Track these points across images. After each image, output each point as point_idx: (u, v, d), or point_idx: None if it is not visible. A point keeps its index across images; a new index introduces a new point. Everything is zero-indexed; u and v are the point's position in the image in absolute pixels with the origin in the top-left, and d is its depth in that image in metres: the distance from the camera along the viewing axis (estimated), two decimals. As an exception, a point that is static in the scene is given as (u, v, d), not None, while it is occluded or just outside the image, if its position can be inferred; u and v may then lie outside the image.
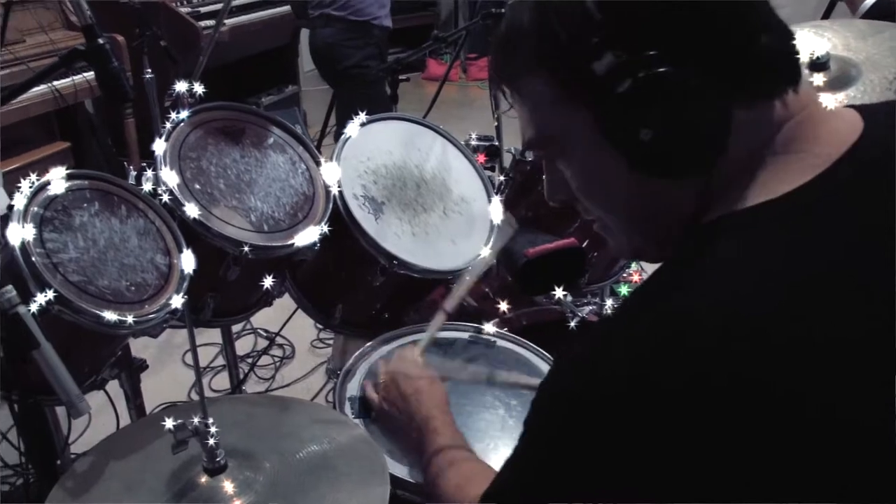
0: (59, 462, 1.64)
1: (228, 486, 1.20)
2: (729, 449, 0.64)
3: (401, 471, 1.36)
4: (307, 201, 1.74)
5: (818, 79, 1.60)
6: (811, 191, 0.72)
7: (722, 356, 0.64)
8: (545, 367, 1.70)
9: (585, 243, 2.08)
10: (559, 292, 1.98)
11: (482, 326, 1.79)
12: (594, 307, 2.32)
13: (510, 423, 1.53)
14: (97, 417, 2.46)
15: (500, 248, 1.82)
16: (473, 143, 2.27)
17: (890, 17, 1.99)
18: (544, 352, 1.74)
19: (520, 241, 1.97)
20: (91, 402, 1.36)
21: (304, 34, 4.62)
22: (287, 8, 4.86)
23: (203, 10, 4.48)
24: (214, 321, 1.79)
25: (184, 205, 1.54)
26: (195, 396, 2.84)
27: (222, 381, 2.87)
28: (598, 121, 0.75)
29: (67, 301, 1.30)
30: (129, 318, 1.35)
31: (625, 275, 2.52)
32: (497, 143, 2.50)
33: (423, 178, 1.90)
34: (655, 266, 0.81)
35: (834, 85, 1.64)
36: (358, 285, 1.84)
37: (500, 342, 1.77)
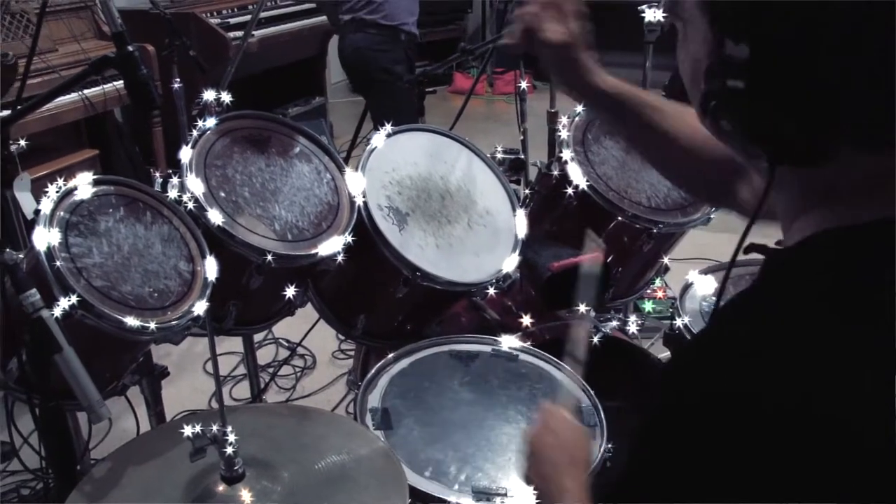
0: (78, 467, 1.64)
1: (246, 496, 1.19)
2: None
3: (420, 483, 1.35)
4: (331, 211, 1.74)
5: None
6: None
7: None
8: (567, 382, 1.68)
9: (610, 258, 2.06)
10: (582, 307, 1.96)
11: (505, 340, 1.77)
12: (618, 322, 2.30)
13: (532, 439, 1.51)
14: (117, 423, 2.48)
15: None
16: (499, 155, 2.26)
17: None
18: (567, 366, 1.72)
19: (544, 255, 1.95)
20: (112, 407, 1.36)
21: (332, 46, 4.63)
22: (315, 20, 4.88)
23: (232, 21, 4.52)
24: (236, 330, 1.79)
25: (207, 211, 1.54)
26: (216, 405, 2.84)
27: (243, 391, 2.86)
28: (710, 58, 0.73)
29: (90, 306, 1.30)
30: (152, 325, 1.35)
31: (649, 290, 2.50)
32: (522, 157, 2.49)
33: (447, 190, 1.89)
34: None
35: None
36: (381, 296, 1.83)
37: (523, 356, 1.75)
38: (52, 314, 1.22)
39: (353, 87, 4.41)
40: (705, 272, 1.98)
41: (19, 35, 3.34)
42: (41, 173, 3.26)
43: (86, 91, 3.33)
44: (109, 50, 1.49)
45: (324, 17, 4.64)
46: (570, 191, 1.97)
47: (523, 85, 2.73)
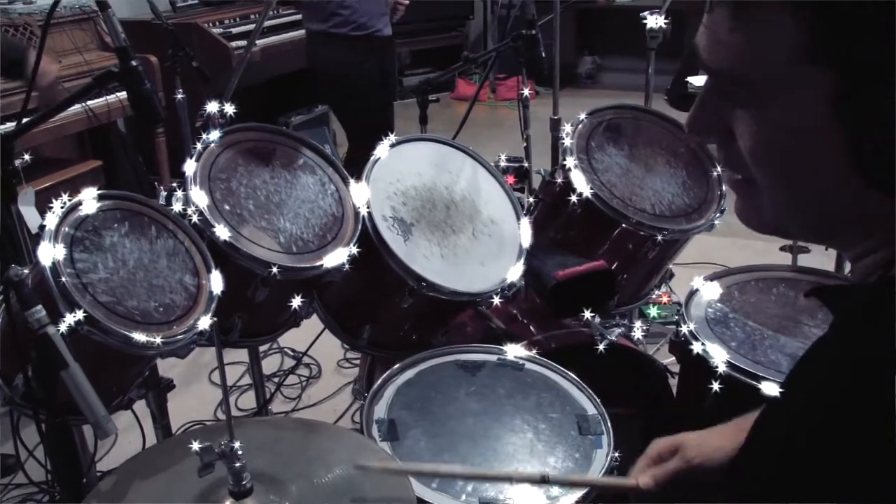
0: (84, 480, 1.64)
1: (254, 511, 1.19)
2: None
3: (427, 494, 1.35)
4: (336, 222, 1.74)
5: None
6: None
7: None
8: (573, 391, 1.68)
9: (615, 265, 2.06)
10: (588, 314, 1.96)
11: (511, 349, 1.77)
12: (623, 329, 2.29)
13: (539, 448, 1.51)
14: (123, 436, 2.47)
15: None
16: (503, 164, 2.26)
17: None
18: (573, 375, 1.72)
19: (549, 263, 1.95)
20: (117, 420, 1.36)
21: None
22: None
23: (234, 30, 4.53)
24: (242, 342, 1.79)
25: (214, 226, 1.54)
26: (221, 415, 2.84)
27: (248, 401, 2.86)
28: (836, 106, 0.62)
29: (96, 321, 1.30)
30: (158, 339, 1.35)
31: (653, 296, 2.49)
32: (526, 165, 2.49)
33: (452, 200, 1.89)
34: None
35: None
36: (386, 307, 1.83)
37: (529, 365, 1.75)
38: (58, 330, 1.22)
39: (325, 99, 4.18)
40: (710, 278, 1.98)
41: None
42: (45, 185, 3.28)
43: (89, 102, 3.34)
44: (112, 61, 1.50)
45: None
46: (574, 198, 1.97)
47: (526, 92, 2.73)
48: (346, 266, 1.68)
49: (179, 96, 2.97)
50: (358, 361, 2.95)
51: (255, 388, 2.41)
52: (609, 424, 1.57)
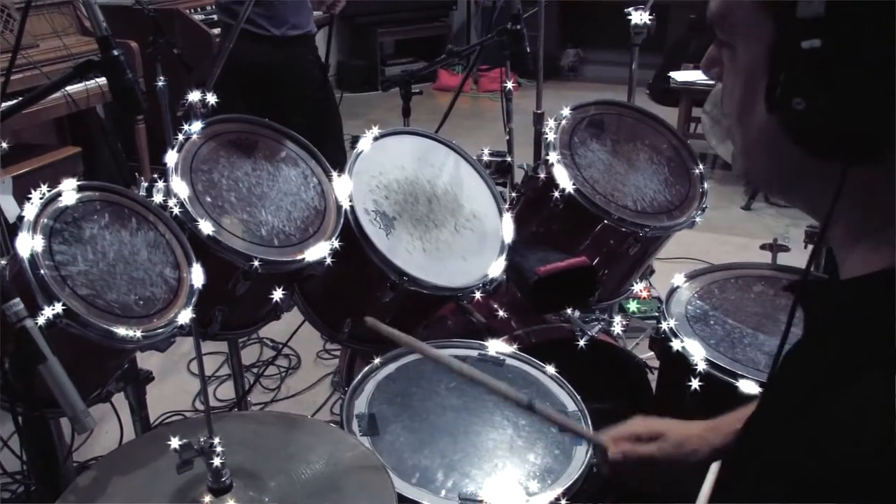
0: (60, 472, 1.63)
1: (233, 507, 1.18)
2: None
3: (407, 490, 1.35)
4: (318, 216, 1.73)
5: None
6: None
7: None
8: (553, 387, 1.69)
9: (596, 261, 2.07)
10: (569, 310, 1.96)
11: (491, 344, 1.77)
12: (603, 325, 2.31)
13: (519, 444, 1.52)
14: (101, 426, 2.46)
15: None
16: (486, 158, 2.26)
17: None
18: (553, 370, 1.72)
19: (531, 259, 1.95)
20: (95, 409, 1.35)
21: (320, 42, 4.54)
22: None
23: (216, 17, 4.49)
24: (222, 334, 1.78)
25: (197, 221, 1.53)
26: (200, 405, 2.83)
27: (227, 391, 2.85)
28: (772, 53, 0.67)
29: (75, 315, 1.29)
30: (137, 333, 1.34)
31: (634, 291, 2.50)
32: (509, 159, 2.49)
33: (434, 194, 1.89)
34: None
35: None
36: (367, 300, 1.83)
37: (510, 360, 1.76)
38: (37, 323, 1.21)
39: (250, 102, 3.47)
40: (691, 276, 1.99)
41: None
42: (23, 170, 3.24)
43: (68, 88, 3.29)
44: (92, 46, 1.48)
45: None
46: (556, 194, 1.97)
47: (509, 85, 2.72)
48: (328, 260, 1.67)
49: (160, 83, 2.93)
50: (338, 353, 2.95)
51: (234, 378, 2.40)
52: (589, 420, 1.57)
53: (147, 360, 1.94)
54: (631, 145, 2.15)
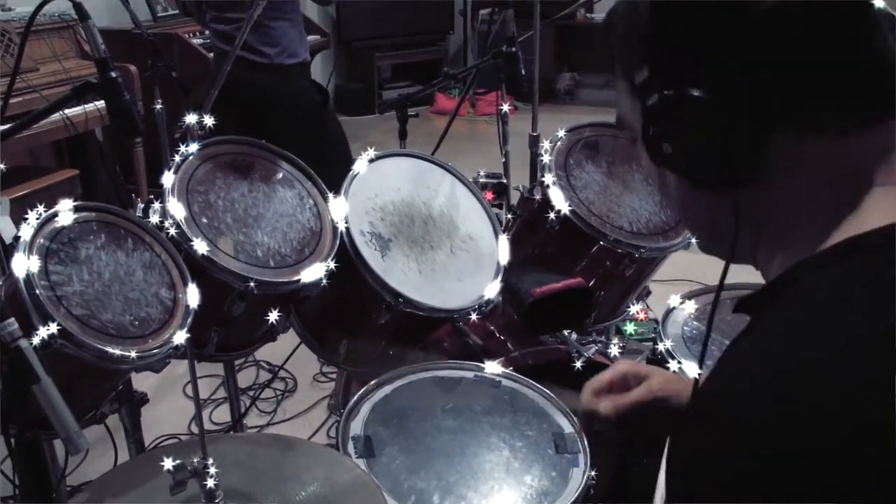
0: (54, 495, 1.62)
1: (227, 529, 1.17)
2: None
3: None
4: (314, 237, 1.73)
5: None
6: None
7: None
8: (550, 408, 1.68)
9: (592, 282, 2.07)
10: (565, 332, 1.96)
11: (488, 365, 1.77)
12: (599, 346, 2.30)
13: (515, 466, 1.51)
14: (95, 449, 2.44)
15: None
16: (482, 180, 2.27)
17: None
18: (549, 392, 1.72)
19: (527, 280, 1.95)
20: (89, 432, 1.34)
21: (315, 66, 4.57)
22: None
23: (212, 42, 4.52)
24: (218, 356, 1.78)
25: (192, 240, 1.53)
26: (195, 429, 2.81)
27: (223, 414, 2.84)
28: (644, 118, 0.76)
29: (70, 335, 1.29)
30: (132, 353, 1.34)
31: (631, 313, 2.51)
32: (505, 181, 2.50)
33: (430, 216, 1.89)
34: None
35: None
36: (363, 322, 1.83)
37: (506, 381, 1.75)
38: (31, 344, 1.21)
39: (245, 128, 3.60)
40: (688, 296, 1.99)
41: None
42: (21, 193, 3.24)
43: (67, 111, 3.31)
44: (92, 70, 1.49)
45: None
46: (552, 215, 1.98)
47: (505, 108, 2.74)
48: (324, 281, 1.67)
49: (158, 107, 2.95)
50: (334, 375, 2.94)
51: (230, 401, 2.39)
52: (586, 443, 1.57)
53: (142, 382, 1.93)
54: (626, 167, 2.16)
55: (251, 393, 2.99)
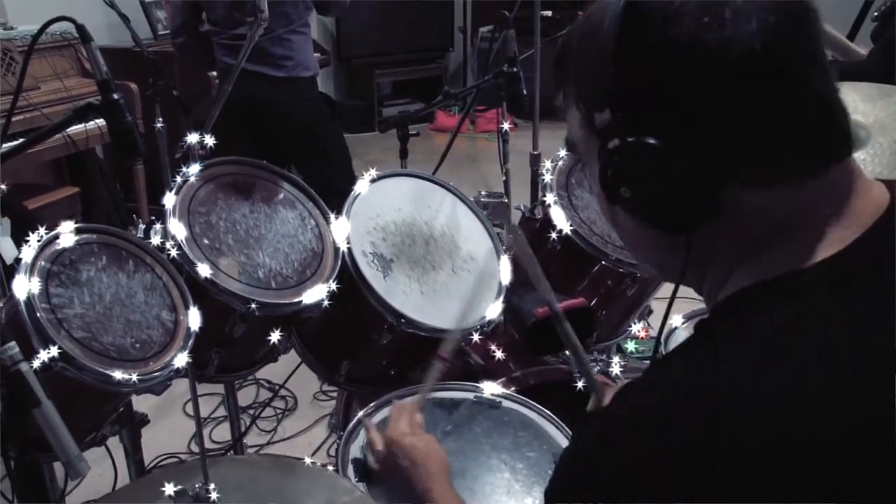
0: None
1: (228, 554, 1.17)
2: None
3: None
4: (316, 258, 1.73)
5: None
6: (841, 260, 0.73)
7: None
8: (551, 429, 1.68)
9: (594, 302, 2.06)
10: (566, 352, 1.95)
11: (487, 387, 1.76)
12: (601, 366, 2.30)
13: (516, 488, 1.50)
14: (94, 468, 2.40)
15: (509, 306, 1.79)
16: (483, 199, 2.26)
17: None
18: (551, 413, 1.71)
19: (528, 300, 1.95)
20: (88, 451, 1.33)
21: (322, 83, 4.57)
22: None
23: (217, 57, 4.53)
24: (218, 377, 1.77)
25: (195, 264, 1.53)
26: (195, 447, 2.80)
27: (223, 433, 2.83)
28: (599, 159, 0.78)
29: (71, 358, 1.28)
30: (133, 377, 1.33)
31: (632, 332, 2.50)
32: (506, 200, 2.50)
33: (432, 236, 1.89)
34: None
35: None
36: (364, 342, 1.82)
37: (506, 403, 1.74)
38: (32, 367, 1.20)
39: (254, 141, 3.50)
40: (689, 316, 1.99)
41: (2, 73, 3.33)
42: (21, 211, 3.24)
43: (68, 129, 3.31)
44: (93, 87, 1.49)
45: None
46: (553, 235, 1.98)
47: (506, 126, 2.74)
48: (326, 302, 1.67)
49: (159, 125, 2.96)
50: (334, 394, 2.93)
51: (231, 420, 2.38)
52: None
53: (142, 402, 1.92)
54: (627, 187, 2.16)
55: (251, 412, 2.98)
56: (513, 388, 1.80)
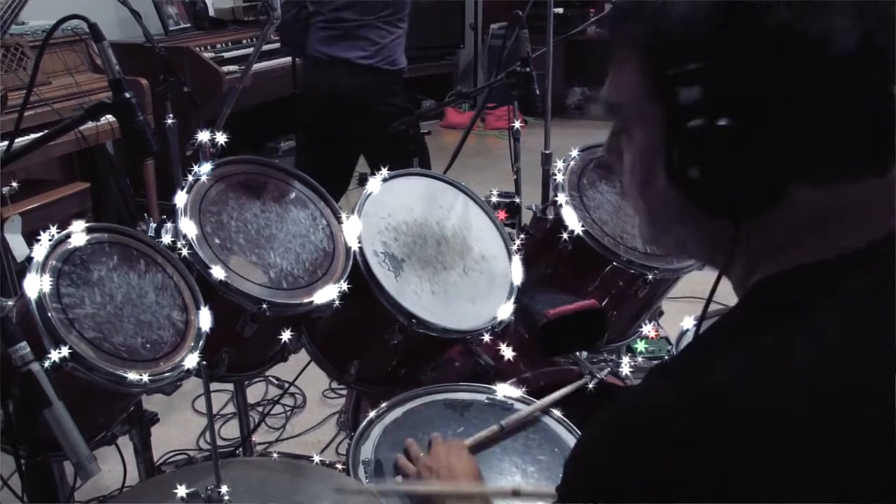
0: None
1: (238, 557, 1.16)
2: None
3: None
4: (327, 258, 1.72)
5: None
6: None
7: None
8: (561, 430, 1.67)
9: (605, 302, 2.05)
10: (578, 354, 1.94)
11: (500, 388, 1.75)
12: (611, 367, 2.29)
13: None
14: (104, 464, 2.41)
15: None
16: (494, 199, 2.25)
17: None
18: (561, 415, 1.70)
19: (540, 301, 1.94)
20: (98, 449, 1.33)
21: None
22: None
23: (226, 55, 4.53)
24: (228, 376, 1.77)
25: (210, 267, 1.52)
26: (204, 444, 2.81)
27: (232, 430, 2.83)
28: (664, 134, 0.75)
29: (82, 358, 1.28)
30: (144, 377, 1.33)
31: (643, 332, 2.49)
32: (517, 200, 2.48)
33: (443, 236, 1.88)
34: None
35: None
36: (375, 342, 1.82)
37: (518, 405, 1.73)
38: (43, 367, 1.20)
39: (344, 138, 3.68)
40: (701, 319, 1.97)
41: (13, 68, 3.33)
42: (32, 206, 3.24)
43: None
44: (103, 83, 1.49)
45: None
46: (565, 235, 1.97)
47: (517, 124, 2.73)
48: (336, 303, 1.66)
49: (170, 121, 2.95)
50: (343, 392, 2.93)
51: (240, 418, 2.38)
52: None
53: (151, 397, 1.91)
54: (640, 187, 2.15)
55: (260, 409, 2.98)
56: (523, 389, 1.79)
